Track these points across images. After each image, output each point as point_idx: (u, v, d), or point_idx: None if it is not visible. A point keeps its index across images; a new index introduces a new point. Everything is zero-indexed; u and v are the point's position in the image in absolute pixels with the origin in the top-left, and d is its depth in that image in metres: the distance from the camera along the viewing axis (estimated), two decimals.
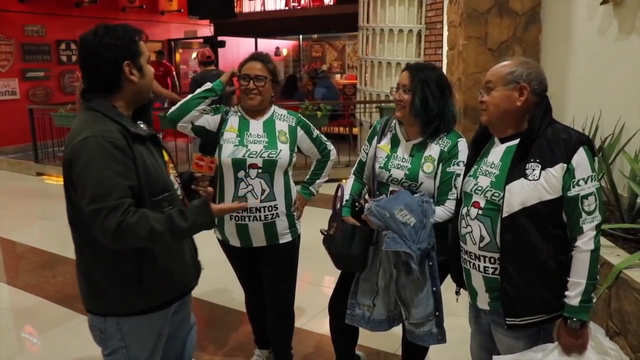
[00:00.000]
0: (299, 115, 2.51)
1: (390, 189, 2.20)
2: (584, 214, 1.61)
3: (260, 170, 2.30)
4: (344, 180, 2.58)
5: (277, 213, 2.36)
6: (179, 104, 2.38)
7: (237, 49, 11.47)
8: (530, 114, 1.70)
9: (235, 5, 12.12)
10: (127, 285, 1.62)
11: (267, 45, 12.72)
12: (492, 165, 1.76)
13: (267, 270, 2.48)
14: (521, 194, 1.64)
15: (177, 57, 12.14)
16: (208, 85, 2.37)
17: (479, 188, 1.77)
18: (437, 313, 2.10)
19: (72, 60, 9.98)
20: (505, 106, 1.70)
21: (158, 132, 7.61)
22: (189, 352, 1.96)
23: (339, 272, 2.39)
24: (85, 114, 1.61)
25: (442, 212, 2.09)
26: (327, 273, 3.85)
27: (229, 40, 11.42)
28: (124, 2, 11.06)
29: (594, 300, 1.64)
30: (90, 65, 1.60)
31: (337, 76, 12.99)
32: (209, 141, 2.39)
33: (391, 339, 2.77)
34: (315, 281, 4.02)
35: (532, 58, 4.27)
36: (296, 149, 2.45)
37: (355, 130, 8.23)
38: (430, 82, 2.11)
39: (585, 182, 1.61)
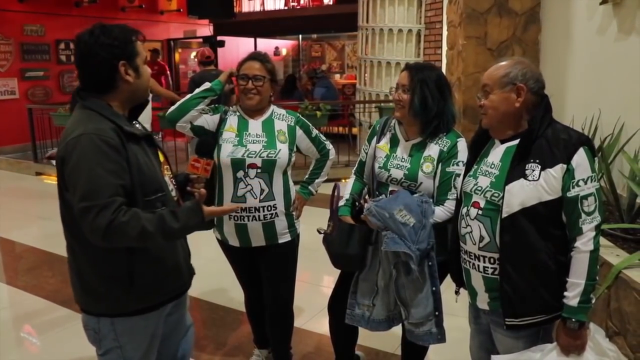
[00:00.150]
0: (298, 114, 2.51)
1: (390, 188, 2.20)
2: (583, 215, 1.61)
3: (259, 170, 2.30)
4: (343, 180, 2.58)
5: (276, 213, 2.36)
6: (177, 104, 2.37)
7: (236, 49, 11.46)
8: (530, 114, 1.70)
9: (235, 5, 12.13)
10: (118, 285, 1.61)
11: (266, 45, 12.73)
12: (492, 166, 1.76)
13: (267, 270, 2.48)
14: (521, 195, 1.64)
15: (177, 56, 12.14)
16: (207, 85, 2.38)
17: (479, 188, 1.77)
18: (436, 313, 2.10)
19: (71, 60, 9.93)
20: (505, 108, 1.70)
21: (158, 132, 7.63)
22: (185, 354, 1.95)
23: (338, 271, 2.39)
24: (80, 112, 1.60)
25: (441, 212, 2.09)
26: (326, 273, 3.85)
27: (229, 40, 11.42)
28: (123, 2, 11.04)
29: (593, 301, 1.64)
30: (86, 64, 1.60)
31: (337, 76, 12.98)
32: (206, 142, 2.39)
33: (391, 339, 2.77)
34: (315, 281, 4.01)
35: (531, 58, 4.30)
36: (295, 149, 2.45)
37: (355, 130, 8.24)
38: (430, 82, 2.11)
39: (585, 183, 1.61)
